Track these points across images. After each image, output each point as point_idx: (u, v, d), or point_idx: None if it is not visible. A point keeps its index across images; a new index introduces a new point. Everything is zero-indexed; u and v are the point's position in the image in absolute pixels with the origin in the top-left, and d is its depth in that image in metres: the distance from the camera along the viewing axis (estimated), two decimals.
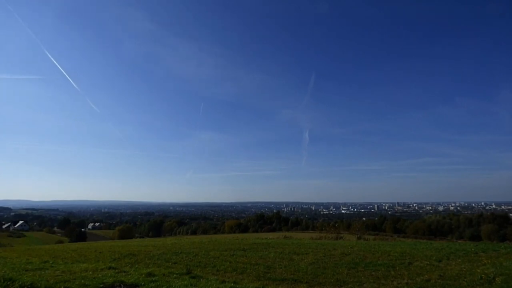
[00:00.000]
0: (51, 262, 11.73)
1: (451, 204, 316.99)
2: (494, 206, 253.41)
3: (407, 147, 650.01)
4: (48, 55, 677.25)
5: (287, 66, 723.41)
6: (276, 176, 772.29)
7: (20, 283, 6.66)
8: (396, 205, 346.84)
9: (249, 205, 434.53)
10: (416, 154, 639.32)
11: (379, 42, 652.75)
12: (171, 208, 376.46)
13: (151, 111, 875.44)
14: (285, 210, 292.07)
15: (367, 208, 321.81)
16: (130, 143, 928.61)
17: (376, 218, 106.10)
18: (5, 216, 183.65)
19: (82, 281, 7.41)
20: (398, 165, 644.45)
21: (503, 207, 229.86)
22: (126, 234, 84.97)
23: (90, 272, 8.82)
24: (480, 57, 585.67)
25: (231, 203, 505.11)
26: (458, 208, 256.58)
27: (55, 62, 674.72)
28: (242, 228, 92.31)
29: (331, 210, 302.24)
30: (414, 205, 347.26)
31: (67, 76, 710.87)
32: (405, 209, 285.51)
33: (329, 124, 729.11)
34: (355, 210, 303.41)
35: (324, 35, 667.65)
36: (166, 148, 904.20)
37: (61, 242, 61.66)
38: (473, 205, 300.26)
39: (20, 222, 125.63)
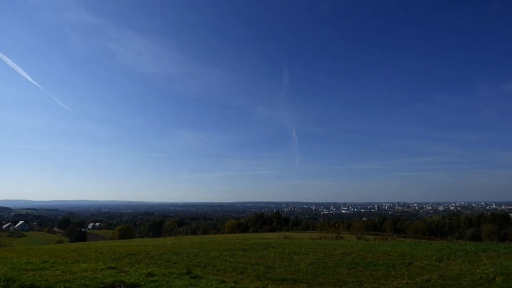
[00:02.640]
0: (51, 262, 11.71)
1: (451, 204, 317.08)
2: (494, 206, 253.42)
3: (397, 146, 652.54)
4: None
5: (255, 61, 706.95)
6: (273, 175, 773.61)
7: (20, 283, 6.65)
8: (396, 205, 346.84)
9: (249, 205, 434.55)
10: (409, 153, 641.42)
11: (353, 37, 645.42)
12: (171, 208, 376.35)
13: (123, 109, 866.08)
14: (285, 210, 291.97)
15: (367, 208, 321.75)
16: (120, 142, 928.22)
17: (376, 218, 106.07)
18: (5, 216, 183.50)
19: (82, 281, 7.40)
20: (393, 164, 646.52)
21: (503, 207, 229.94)
22: (126, 234, 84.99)
23: (90, 272, 8.82)
24: (453, 53, 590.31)
25: (231, 203, 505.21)
26: (458, 208, 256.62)
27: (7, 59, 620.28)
28: (242, 228, 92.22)
29: (331, 210, 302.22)
30: (414, 205, 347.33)
31: (20, 73, 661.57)
32: (405, 209, 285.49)
33: (309, 122, 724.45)
34: (355, 210, 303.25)
35: (294, 29, 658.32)
36: (155, 148, 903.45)
37: (61, 242, 61.68)
38: (473, 205, 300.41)
39: (20, 222, 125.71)
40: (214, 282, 8.14)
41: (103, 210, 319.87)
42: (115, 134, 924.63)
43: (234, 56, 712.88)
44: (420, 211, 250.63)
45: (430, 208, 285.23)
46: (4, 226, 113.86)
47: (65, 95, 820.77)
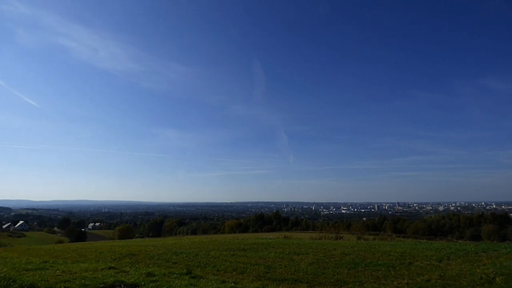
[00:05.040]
0: (51, 262, 11.71)
1: (451, 204, 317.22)
2: (494, 206, 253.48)
3: (387, 145, 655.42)
4: None
5: (222, 57, 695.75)
6: (270, 175, 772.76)
7: (20, 283, 6.65)
8: (396, 205, 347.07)
9: (249, 205, 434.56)
10: (402, 153, 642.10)
11: (328, 31, 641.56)
12: (171, 208, 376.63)
13: (97, 107, 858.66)
14: (285, 210, 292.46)
15: (367, 208, 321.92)
16: (108, 142, 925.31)
17: (376, 218, 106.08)
18: (5, 216, 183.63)
19: (82, 281, 7.40)
20: (388, 164, 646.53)
21: (503, 207, 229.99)
22: (126, 234, 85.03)
23: (90, 272, 8.82)
24: (428, 49, 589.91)
25: (231, 203, 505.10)
26: (458, 208, 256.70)
27: None
28: (242, 228, 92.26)
29: (331, 210, 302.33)
30: (414, 205, 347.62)
31: None
32: (405, 209, 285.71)
33: (293, 121, 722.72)
34: (355, 210, 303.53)
35: (265, 22, 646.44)
36: (144, 148, 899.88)
37: (61, 242, 61.61)
38: (473, 205, 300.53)
39: (20, 222, 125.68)
40: (214, 282, 8.13)
41: (103, 210, 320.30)
42: (99, 134, 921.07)
43: (197, 50, 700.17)
44: (420, 211, 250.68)
45: (430, 208, 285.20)
46: (4, 226, 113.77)
47: (30, 92, 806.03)
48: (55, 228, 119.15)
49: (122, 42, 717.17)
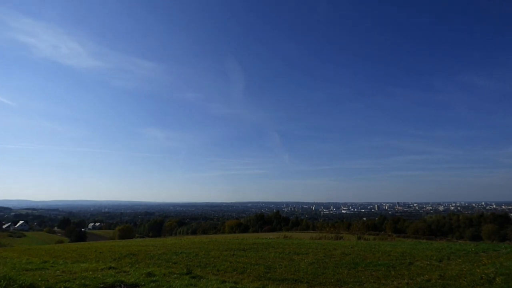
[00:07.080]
0: (51, 262, 11.72)
1: (451, 204, 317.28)
2: (494, 206, 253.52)
3: (380, 144, 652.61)
4: None
5: (193, 53, 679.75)
6: (270, 175, 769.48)
7: (20, 283, 6.65)
8: (397, 205, 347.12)
9: (249, 205, 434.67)
10: (398, 152, 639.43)
11: (309, 27, 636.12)
12: (171, 208, 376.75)
13: (74, 106, 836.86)
14: (285, 210, 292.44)
15: (367, 208, 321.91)
16: (95, 142, 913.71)
17: (376, 218, 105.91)
18: (5, 216, 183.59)
19: (82, 281, 7.40)
20: (385, 163, 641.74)
21: (503, 207, 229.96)
22: (126, 234, 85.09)
23: (90, 272, 8.82)
24: (409, 46, 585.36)
25: (231, 203, 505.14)
26: (458, 208, 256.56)
27: None
28: (242, 228, 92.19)
29: (331, 210, 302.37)
30: (415, 205, 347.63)
31: None
32: (405, 209, 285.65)
33: (278, 119, 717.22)
34: (355, 210, 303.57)
35: (241, 17, 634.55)
36: (137, 147, 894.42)
37: (61, 242, 61.62)
38: (473, 205, 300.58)
39: (20, 222, 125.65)
40: (214, 282, 8.14)
41: (103, 210, 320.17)
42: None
43: (163, 46, 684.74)
44: (420, 211, 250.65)
45: (430, 208, 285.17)
46: (4, 226, 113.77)
47: (2, 91, 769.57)
48: (55, 228, 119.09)
49: (79, 38, 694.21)
